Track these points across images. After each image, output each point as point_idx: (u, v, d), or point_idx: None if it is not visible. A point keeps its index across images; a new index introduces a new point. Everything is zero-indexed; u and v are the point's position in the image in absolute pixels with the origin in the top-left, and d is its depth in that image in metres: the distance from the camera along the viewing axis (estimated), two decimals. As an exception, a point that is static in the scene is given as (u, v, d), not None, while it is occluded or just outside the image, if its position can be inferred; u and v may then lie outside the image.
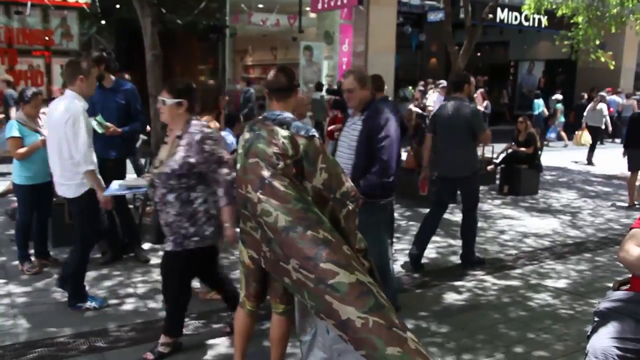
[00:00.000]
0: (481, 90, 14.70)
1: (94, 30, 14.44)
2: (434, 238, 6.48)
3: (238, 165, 3.25)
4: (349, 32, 17.14)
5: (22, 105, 5.38)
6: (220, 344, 4.18)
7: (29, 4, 12.91)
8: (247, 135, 3.27)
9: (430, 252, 6.36)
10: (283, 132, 3.15)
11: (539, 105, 17.09)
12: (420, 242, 5.89)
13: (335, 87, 14.75)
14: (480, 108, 12.58)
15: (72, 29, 13.90)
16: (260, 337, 4.13)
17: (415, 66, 24.73)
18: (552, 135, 17.10)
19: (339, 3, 14.40)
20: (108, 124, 5.46)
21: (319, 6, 14.87)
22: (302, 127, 3.23)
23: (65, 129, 4.36)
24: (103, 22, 14.48)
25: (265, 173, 3.04)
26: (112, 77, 5.69)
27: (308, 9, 16.04)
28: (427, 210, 6.12)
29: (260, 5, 16.82)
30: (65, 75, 4.67)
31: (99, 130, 5.42)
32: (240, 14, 16.26)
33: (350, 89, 4.35)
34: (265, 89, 3.41)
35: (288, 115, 3.30)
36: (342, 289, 2.77)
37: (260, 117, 3.37)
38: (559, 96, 17.51)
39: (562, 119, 17.19)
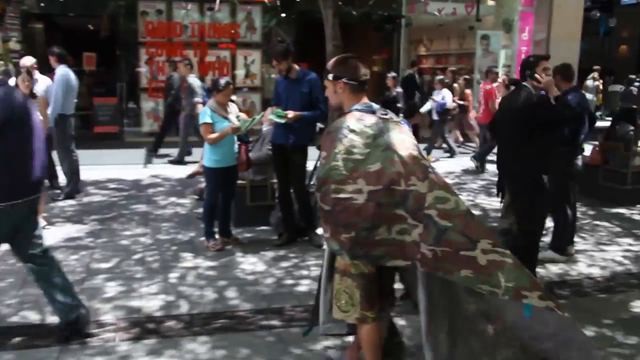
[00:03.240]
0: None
1: (274, 23, 15.13)
2: (621, 240, 6.03)
3: (378, 164, 2.96)
4: (530, 20, 16.29)
5: (215, 94, 5.80)
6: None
7: (217, 0, 13.86)
8: (377, 124, 3.08)
9: (615, 255, 5.91)
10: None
11: None
12: None
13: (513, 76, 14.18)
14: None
15: (255, 22, 14.67)
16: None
17: (602, 54, 22.95)
18: None
19: (521, -11, 13.78)
20: (286, 112, 5.69)
21: (499, -7, 14.34)
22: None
23: None
24: (283, 15, 15.13)
25: (425, 162, 2.99)
26: (297, 68, 5.93)
27: (486, -4, 15.55)
28: (611, 210, 5.72)
29: (436, -6, 16.59)
30: None
31: (281, 122, 5.68)
32: (416, 3, 16.13)
33: None
34: (353, 80, 3.23)
35: None
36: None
37: (368, 108, 3.21)
38: None
39: None
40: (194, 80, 10.38)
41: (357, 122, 3.08)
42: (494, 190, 8.47)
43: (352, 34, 15.82)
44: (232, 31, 14.31)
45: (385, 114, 3.19)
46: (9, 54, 13.14)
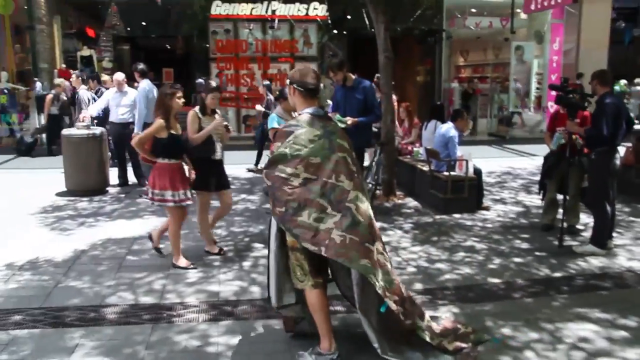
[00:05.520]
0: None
1: (326, 39, 15.08)
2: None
3: (318, 158, 3.11)
4: (560, 31, 15.80)
5: (281, 101, 5.75)
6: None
7: (276, 20, 13.96)
8: (325, 128, 3.22)
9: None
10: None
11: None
12: None
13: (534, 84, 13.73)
14: None
15: (311, 38, 14.66)
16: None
17: (627, 62, 21.98)
18: None
19: (552, 3, 13.29)
20: (345, 118, 5.58)
21: (532, 7, 13.88)
22: None
23: None
24: (335, 31, 15.07)
25: (353, 167, 3.20)
26: (353, 77, 5.84)
27: (519, 10, 15.10)
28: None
29: (474, 10, 16.23)
30: None
31: (341, 127, 5.56)
32: (455, 18, 15.83)
33: None
34: (301, 87, 3.31)
35: None
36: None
37: (317, 112, 3.29)
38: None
39: None
40: (82, 92, 9.92)
41: (308, 122, 3.21)
42: (534, 188, 8.22)
43: (397, 47, 15.64)
44: (291, 46, 14.31)
45: (330, 120, 3.37)
46: (103, 70, 13.52)
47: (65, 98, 10.03)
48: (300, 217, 3.05)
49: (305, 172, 3.09)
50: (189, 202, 5.01)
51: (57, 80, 10.75)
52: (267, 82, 10.67)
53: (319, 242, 3.03)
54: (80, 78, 9.91)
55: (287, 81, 3.46)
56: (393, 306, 3.07)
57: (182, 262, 5.04)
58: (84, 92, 9.74)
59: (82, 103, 9.71)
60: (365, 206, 3.15)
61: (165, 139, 4.88)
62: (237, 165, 10.14)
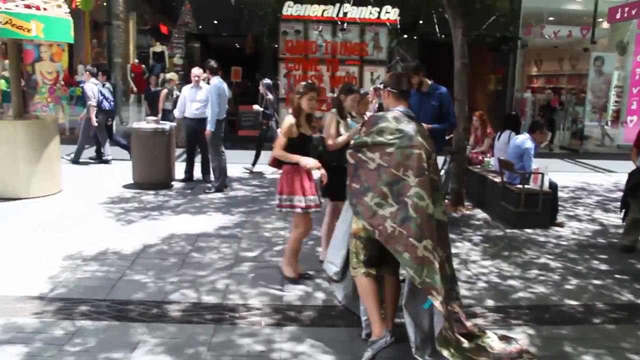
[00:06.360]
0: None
1: (395, 43, 14.84)
2: None
3: (393, 149, 3.37)
4: (646, 42, 14.91)
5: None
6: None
7: (345, 23, 13.89)
8: (409, 125, 3.45)
9: None
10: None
11: None
12: None
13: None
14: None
15: (381, 42, 14.48)
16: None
17: None
18: None
19: (640, 12, 12.56)
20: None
21: (617, 16, 13.17)
22: None
23: None
24: (405, 36, 14.82)
25: (425, 165, 3.34)
26: (429, 82, 5.64)
27: (601, 19, 14.38)
28: None
29: (552, 18, 15.59)
30: None
31: None
32: (532, 26, 15.24)
33: None
34: (394, 89, 3.62)
35: None
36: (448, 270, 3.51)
37: (406, 112, 3.57)
38: None
39: None
40: (88, 86, 9.76)
41: (393, 118, 3.51)
42: (611, 206, 7.76)
43: (469, 54, 15.21)
44: (361, 49, 14.19)
45: (417, 121, 3.62)
46: (174, 67, 13.82)
47: (178, 93, 10.13)
48: (366, 197, 3.38)
49: (380, 159, 3.41)
50: (318, 209, 4.69)
51: (169, 75, 10.89)
52: (268, 81, 9.99)
53: (374, 224, 3.31)
54: (88, 72, 10.03)
55: (381, 85, 3.80)
56: (438, 305, 3.13)
57: (290, 272, 4.75)
58: (89, 86, 9.84)
59: (86, 97, 9.82)
60: (424, 204, 3.27)
61: (295, 139, 4.54)
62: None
